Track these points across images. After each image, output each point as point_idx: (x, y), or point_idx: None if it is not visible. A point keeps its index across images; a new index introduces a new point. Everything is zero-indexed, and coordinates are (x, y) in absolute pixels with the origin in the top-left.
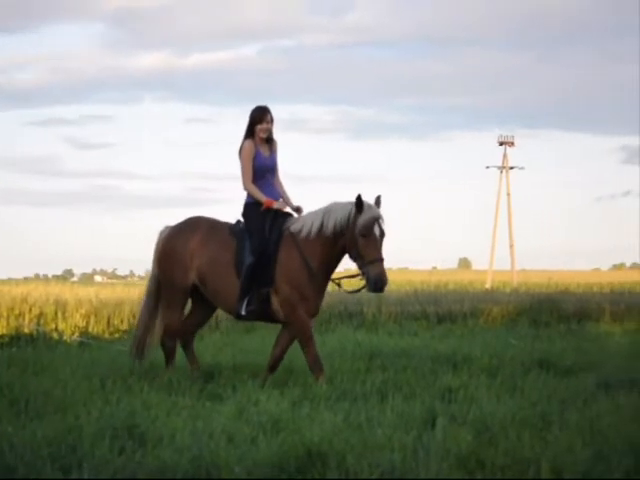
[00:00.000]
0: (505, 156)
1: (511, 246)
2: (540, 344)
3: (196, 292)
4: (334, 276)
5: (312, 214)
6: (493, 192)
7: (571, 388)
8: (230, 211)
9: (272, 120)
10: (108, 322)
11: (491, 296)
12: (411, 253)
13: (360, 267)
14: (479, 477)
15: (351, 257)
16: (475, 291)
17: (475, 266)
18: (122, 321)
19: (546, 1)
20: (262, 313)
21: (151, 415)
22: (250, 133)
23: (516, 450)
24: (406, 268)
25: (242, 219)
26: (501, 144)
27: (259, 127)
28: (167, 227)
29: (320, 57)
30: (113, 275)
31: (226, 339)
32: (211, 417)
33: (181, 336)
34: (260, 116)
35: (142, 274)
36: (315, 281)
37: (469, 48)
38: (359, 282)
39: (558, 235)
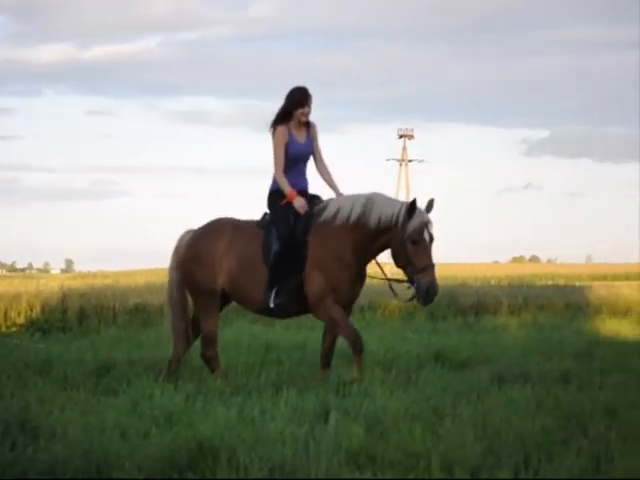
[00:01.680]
0: (405, 149)
1: None
2: (436, 338)
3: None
4: (388, 279)
5: (348, 200)
6: (392, 185)
7: (465, 382)
8: (131, 203)
9: (312, 103)
10: (5, 315)
11: (388, 289)
12: None
13: (409, 274)
14: (369, 471)
15: (397, 264)
16: (374, 284)
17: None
18: (19, 314)
19: None
20: (294, 304)
21: (45, 410)
22: (285, 117)
23: (407, 444)
24: None
25: (267, 210)
26: (401, 137)
27: (300, 111)
28: (188, 231)
29: (222, 50)
30: (12, 268)
31: (122, 333)
32: (105, 412)
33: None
34: (301, 99)
35: (40, 266)
36: (348, 272)
37: (369, 41)
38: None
39: (458, 228)
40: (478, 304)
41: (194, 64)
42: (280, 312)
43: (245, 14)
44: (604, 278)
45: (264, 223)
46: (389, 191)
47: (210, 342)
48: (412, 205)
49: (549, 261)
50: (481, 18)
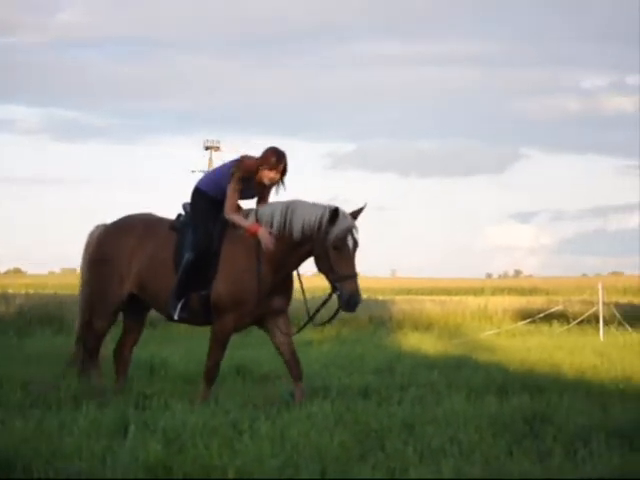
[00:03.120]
0: (211, 160)
1: None
2: (239, 351)
3: (128, 303)
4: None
5: (267, 208)
6: None
7: (266, 396)
8: None
9: (285, 171)
10: None
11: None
12: None
13: (331, 281)
14: None
15: (320, 270)
16: None
17: None
18: None
19: (257, 8)
20: (204, 317)
21: None
22: (252, 165)
23: (204, 458)
24: None
25: (183, 211)
26: (207, 148)
27: (266, 173)
28: (98, 227)
29: (29, 57)
30: None
31: None
32: None
33: (118, 357)
34: (275, 163)
35: None
36: (261, 286)
37: (178, 51)
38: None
39: None
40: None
41: (1, 70)
42: (191, 322)
43: (54, 20)
44: (408, 292)
45: (178, 224)
46: None
47: (97, 336)
48: (334, 212)
49: None
50: (288, 30)
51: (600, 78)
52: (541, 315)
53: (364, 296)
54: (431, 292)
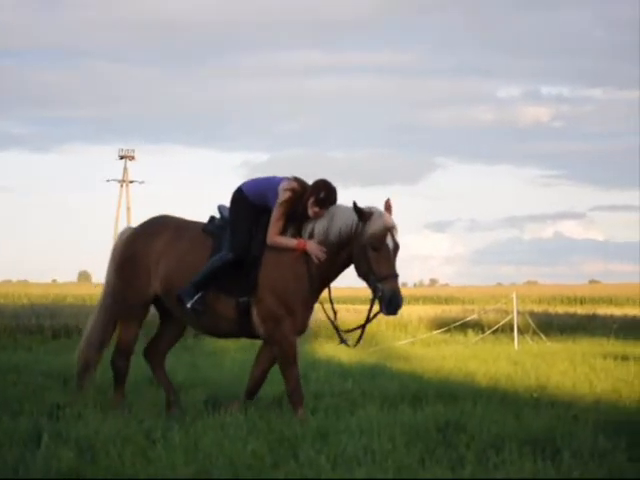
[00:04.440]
0: (125, 170)
1: None
2: None
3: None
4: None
5: (311, 221)
6: (114, 205)
7: (181, 405)
8: None
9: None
10: None
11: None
12: (31, 265)
13: (371, 284)
14: None
15: (360, 274)
16: (93, 305)
17: (95, 279)
18: None
19: (175, 16)
20: (240, 327)
21: None
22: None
23: (117, 468)
24: (26, 281)
25: (218, 213)
26: (122, 158)
27: (314, 208)
28: (128, 228)
29: None
30: None
31: None
32: None
33: (151, 358)
34: (322, 197)
35: None
36: (310, 294)
37: (92, 60)
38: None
39: None
40: None
41: None
42: (228, 335)
43: None
44: (324, 301)
45: (213, 228)
46: (110, 212)
47: (124, 352)
48: (357, 209)
49: None
50: (205, 39)
51: (515, 88)
52: (456, 324)
53: None
54: (345, 301)
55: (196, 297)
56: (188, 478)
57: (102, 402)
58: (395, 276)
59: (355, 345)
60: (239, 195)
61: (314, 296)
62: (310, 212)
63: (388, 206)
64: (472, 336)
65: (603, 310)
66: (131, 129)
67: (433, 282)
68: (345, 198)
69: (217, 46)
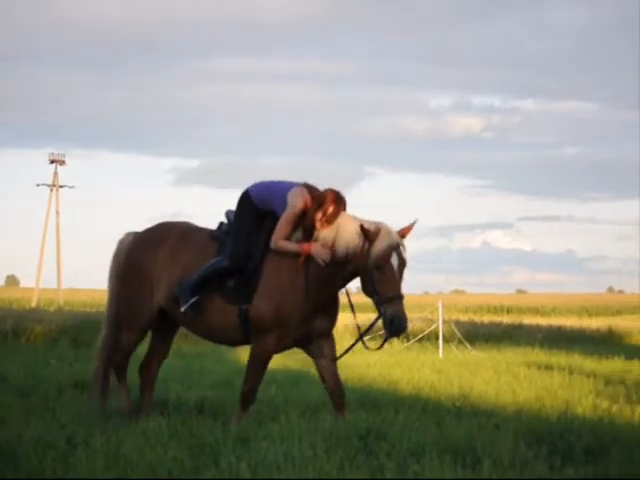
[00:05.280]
0: (56, 174)
1: (59, 264)
2: (79, 365)
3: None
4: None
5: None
6: (43, 210)
7: (102, 410)
8: None
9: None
10: None
11: (35, 314)
12: None
13: (376, 304)
14: None
15: (365, 292)
16: (20, 309)
17: (23, 284)
18: None
19: (102, 22)
20: (243, 335)
21: None
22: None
23: (38, 473)
24: None
25: (226, 219)
26: (52, 162)
27: (319, 216)
28: (129, 233)
29: None
30: None
31: None
32: None
33: (145, 376)
34: (330, 211)
35: None
36: (306, 304)
37: (21, 65)
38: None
39: (107, 256)
40: None
41: None
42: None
43: None
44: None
45: (220, 233)
46: (40, 217)
47: (125, 354)
48: (364, 231)
49: None
50: (132, 45)
51: (447, 98)
52: (381, 332)
53: None
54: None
55: (191, 302)
56: None
57: (25, 406)
58: (400, 297)
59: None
60: (245, 199)
61: (312, 308)
62: (318, 225)
63: (410, 228)
64: (397, 344)
65: (529, 320)
66: (62, 134)
67: (359, 290)
68: None
69: (149, 52)
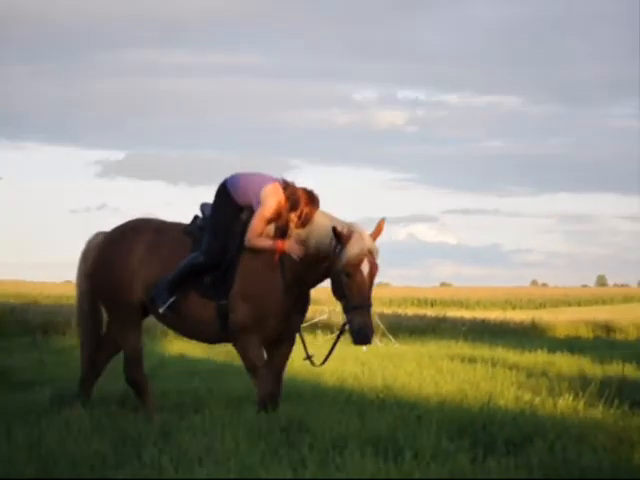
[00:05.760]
0: None
1: None
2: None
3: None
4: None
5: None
6: None
7: (26, 403)
8: None
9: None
10: None
11: None
12: None
13: (344, 309)
14: None
15: (334, 295)
16: None
17: None
18: None
19: (30, 12)
20: (222, 332)
21: None
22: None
23: None
24: None
25: (201, 213)
26: None
27: (292, 216)
28: (99, 233)
29: None
30: None
31: None
32: None
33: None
34: (305, 212)
35: None
36: (285, 300)
37: None
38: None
39: (31, 246)
40: (47, 323)
41: None
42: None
43: None
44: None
45: (194, 228)
46: None
47: (134, 362)
48: (336, 233)
49: None
50: (57, 36)
51: (372, 91)
52: (306, 324)
53: None
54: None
55: (169, 302)
56: (27, 478)
57: None
58: (367, 306)
59: (321, 364)
60: (222, 189)
61: (290, 305)
62: (292, 225)
63: (380, 229)
64: (321, 337)
65: (453, 313)
66: None
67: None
68: (202, 196)
69: (76, 44)
